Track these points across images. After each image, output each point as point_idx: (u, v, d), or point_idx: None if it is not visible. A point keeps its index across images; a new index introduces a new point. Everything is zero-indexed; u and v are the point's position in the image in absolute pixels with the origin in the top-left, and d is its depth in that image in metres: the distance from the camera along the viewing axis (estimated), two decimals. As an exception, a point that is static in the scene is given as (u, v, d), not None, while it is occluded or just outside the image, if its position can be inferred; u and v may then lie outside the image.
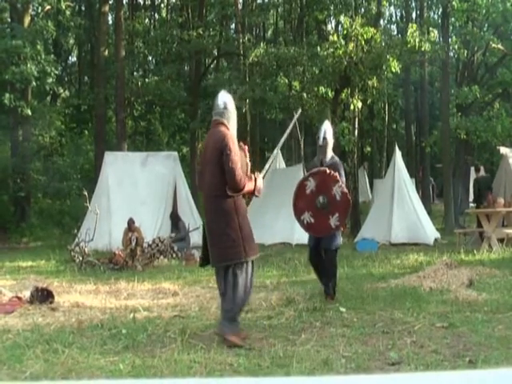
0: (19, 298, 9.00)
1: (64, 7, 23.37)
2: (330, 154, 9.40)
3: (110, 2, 29.81)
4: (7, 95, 21.85)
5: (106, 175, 19.17)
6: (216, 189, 6.63)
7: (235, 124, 7.00)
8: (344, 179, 9.00)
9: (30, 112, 22.42)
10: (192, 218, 18.19)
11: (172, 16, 35.60)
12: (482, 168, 17.56)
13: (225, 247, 6.64)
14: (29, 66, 20.43)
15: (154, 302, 9.03)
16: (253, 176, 6.95)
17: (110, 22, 32.26)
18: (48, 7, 24.10)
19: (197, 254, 15.31)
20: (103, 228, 16.56)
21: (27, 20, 23.85)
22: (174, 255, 15.56)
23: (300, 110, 9.44)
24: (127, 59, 28.25)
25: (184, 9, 32.72)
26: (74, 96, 34.34)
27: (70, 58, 39.99)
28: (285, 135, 8.36)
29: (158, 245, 15.22)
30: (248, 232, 6.87)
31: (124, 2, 30.69)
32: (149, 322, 7.61)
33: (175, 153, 20.58)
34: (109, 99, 28.17)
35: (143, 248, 14.96)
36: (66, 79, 38.02)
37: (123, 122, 26.22)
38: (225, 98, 7.02)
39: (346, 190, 8.73)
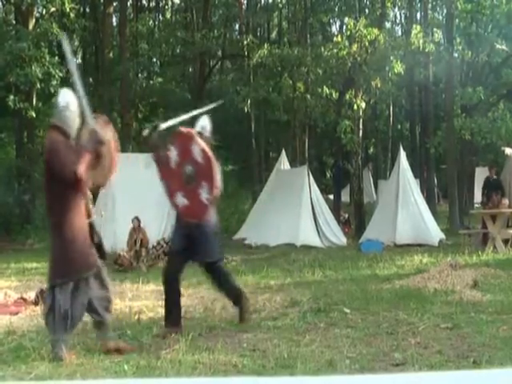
0: (24, 300, 9.04)
1: (68, 9, 23.38)
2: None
3: (115, 4, 29.85)
4: (12, 97, 21.88)
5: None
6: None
7: (76, 123, 6.20)
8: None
9: (34, 114, 22.44)
10: (196, 220, 18.18)
11: (176, 17, 35.65)
12: (494, 170, 17.49)
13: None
14: (33, 68, 20.45)
15: (158, 304, 9.03)
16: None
17: (115, 24, 32.31)
18: (52, 9, 24.13)
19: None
20: (108, 229, 16.54)
21: (32, 22, 23.89)
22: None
23: (221, 101, 8.40)
24: (131, 61, 28.29)
25: (188, 10, 32.77)
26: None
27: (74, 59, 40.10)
28: (190, 115, 7.67)
29: (162, 246, 15.24)
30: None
31: (128, 3, 30.76)
32: (153, 323, 7.63)
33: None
34: (113, 101, 28.20)
35: (148, 249, 14.97)
36: (71, 81, 38.09)
37: (127, 123, 26.25)
38: (67, 98, 6.27)
39: (207, 149, 6.95)
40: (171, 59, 31.86)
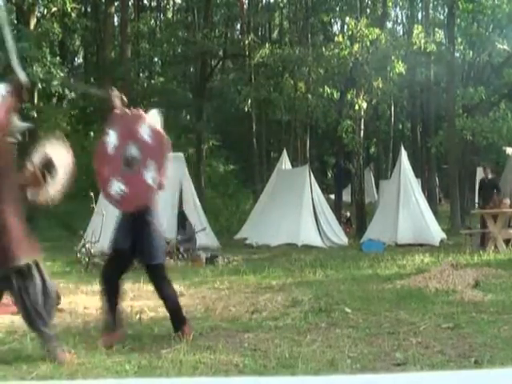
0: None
1: (70, 9, 23.40)
2: None
3: (116, 4, 29.86)
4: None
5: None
6: None
7: None
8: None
9: (35, 114, 22.45)
10: (198, 219, 18.20)
11: (178, 17, 35.67)
12: (489, 170, 17.47)
13: None
14: (35, 68, 20.46)
15: (159, 303, 9.02)
16: None
17: (116, 24, 32.33)
18: (54, 9, 24.15)
19: (203, 255, 15.34)
20: (109, 229, 16.52)
21: (33, 22, 23.90)
22: (181, 256, 15.57)
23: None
24: (133, 60, 28.32)
25: (190, 10, 32.78)
26: (80, 97, 34.39)
27: (75, 59, 40.09)
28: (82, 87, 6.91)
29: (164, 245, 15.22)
30: None
31: (130, 3, 30.78)
32: (155, 323, 7.63)
33: (181, 154, 20.56)
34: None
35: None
36: (72, 81, 38.12)
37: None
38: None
39: (159, 127, 6.46)
40: (172, 59, 31.86)
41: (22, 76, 5.75)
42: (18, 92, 5.70)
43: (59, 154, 6.02)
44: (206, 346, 6.35)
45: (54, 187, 5.94)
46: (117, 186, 6.25)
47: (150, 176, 6.15)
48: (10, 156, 5.79)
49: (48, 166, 5.90)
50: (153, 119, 6.61)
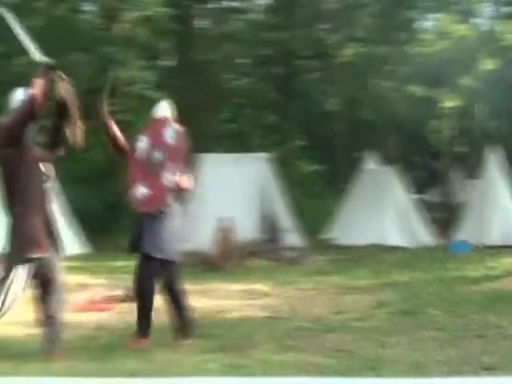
0: (114, 297, 9.26)
1: (157, 12, 23.79)
2: None
3: (204, 6, 30.18)
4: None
5: (199, 177, 19.49)
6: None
7: None
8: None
9: (122, 117, 22.88)
10: (283, 219, 18.25)
11: (263, 18, 35.79)
12: None
13: None
14: (120, 71, 20.91)
15: (245, 303, 9.11)
16: None
17: (203, 26, 32.69)
18: (141, 13, 24.61)
19: (288, 255, 15.38)
20: (196, 228, 16.78)
21: (119, 26, 24.44)
22: (266, 256, 15.63)
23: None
24: (219, 62, 28.57)
25: (274, 10, 32.85)
26: (168, 99, 34.87)
27: (163, 62, 40.71)
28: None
29: (249, 246, 15.33)
30: None
31: (217, 5, 31.08)
32: (240, 322, 7.69)
33: (266, 154, 20.67)
34: (201, 102, 28.52)
35: (235, 249, 15.08)
36: (159, 84, 38.75)
37: (216, 124, 26.55)
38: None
39: (181, 129, 6.54)
40: (258, 59, 31.98)
41: (44, 59, 5.81)
42: (47, 74, 5.74)
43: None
44: (290, 346, 6.38)
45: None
46: (140, 190, 6.43)
47: (167, 178, 6.33)
48: (34, 160, 5.76)
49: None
50: (164, 111, 6.72)
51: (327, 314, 8.15)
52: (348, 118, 30.54)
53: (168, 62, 35.06)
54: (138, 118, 25.28)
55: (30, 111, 5.56)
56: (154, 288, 6.46)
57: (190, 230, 15.27)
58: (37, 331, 6.14)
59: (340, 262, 14.95)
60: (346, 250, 17.79)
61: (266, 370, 5.42)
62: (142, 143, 6.56)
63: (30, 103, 5.52)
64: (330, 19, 28.35)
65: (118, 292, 9.45)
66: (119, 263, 14.99)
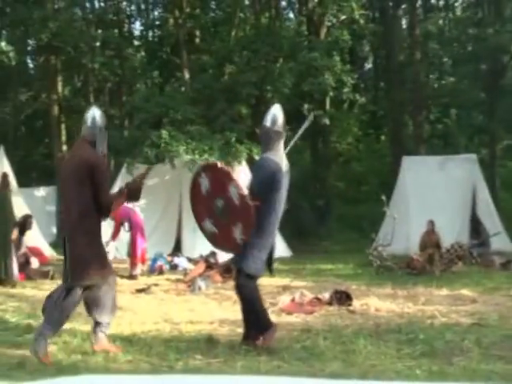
0: (319, 300, 9.35)
1: (358, 16, 23.86)
2: (268, 148, 6.86)
3: (403, 6, 29.85)
4: (306, 106, 22.86)
5: (404, 180, 19.29)
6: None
7: (105, 144, 6.45)
8: (256, 188, 6.71)
9: (328, 121, 23.12)
10: (492, 223, 17.58)
11: (467, 14, 34.70)
12: None
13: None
14: (326, 76, 21.16)
15: (451, 309, 8.86)
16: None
17: (404, 26, 32.30)
18: (343, 17, 24.79)
19: (497, 260, 14.78)
20: (401, 232, 16.56)
21: (323, 31, 24.78)
22: (474, 261, 15.12)
23: (312, 115, 8.02)
24: (422, 62, 28.09)
25: (479, 6, 31.74)
26: (369, 102, 34.88)
27: (365, 64, 40.68)
28: (295, 138, 7.28)
29: (456, 250, 14.89)
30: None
31: (417, 4, 30.58)
32: (446, 328, 7.48)
33: (474, 155, 19.99)
34: (404, 103, 28.20)
35: (442, 253, 14.73)
36: (362, 86, 38.76)
37: (420, 125, 26.16)
38: (95, 114, 6.46)
39: (244, 191, 6.60)
40: (463, 57, 31.04)
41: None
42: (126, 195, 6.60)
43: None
44: (498, 355, 6.10)
45: None
46: (209, 226, 6.89)
47: (238, 235, 6.61)
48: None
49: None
50: (274, 112, 6.89)
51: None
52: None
53: (368, 64, 35.05)
54: (339, 121, 25.54)
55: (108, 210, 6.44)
56: None
57: (393, 233, 15.15)
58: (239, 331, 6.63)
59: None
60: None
61: (473, 379, 5.23)
62: (204, 181, 6.94)
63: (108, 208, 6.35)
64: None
65: (324, 295, 9.52)
66: (325, 266, 15.16)
